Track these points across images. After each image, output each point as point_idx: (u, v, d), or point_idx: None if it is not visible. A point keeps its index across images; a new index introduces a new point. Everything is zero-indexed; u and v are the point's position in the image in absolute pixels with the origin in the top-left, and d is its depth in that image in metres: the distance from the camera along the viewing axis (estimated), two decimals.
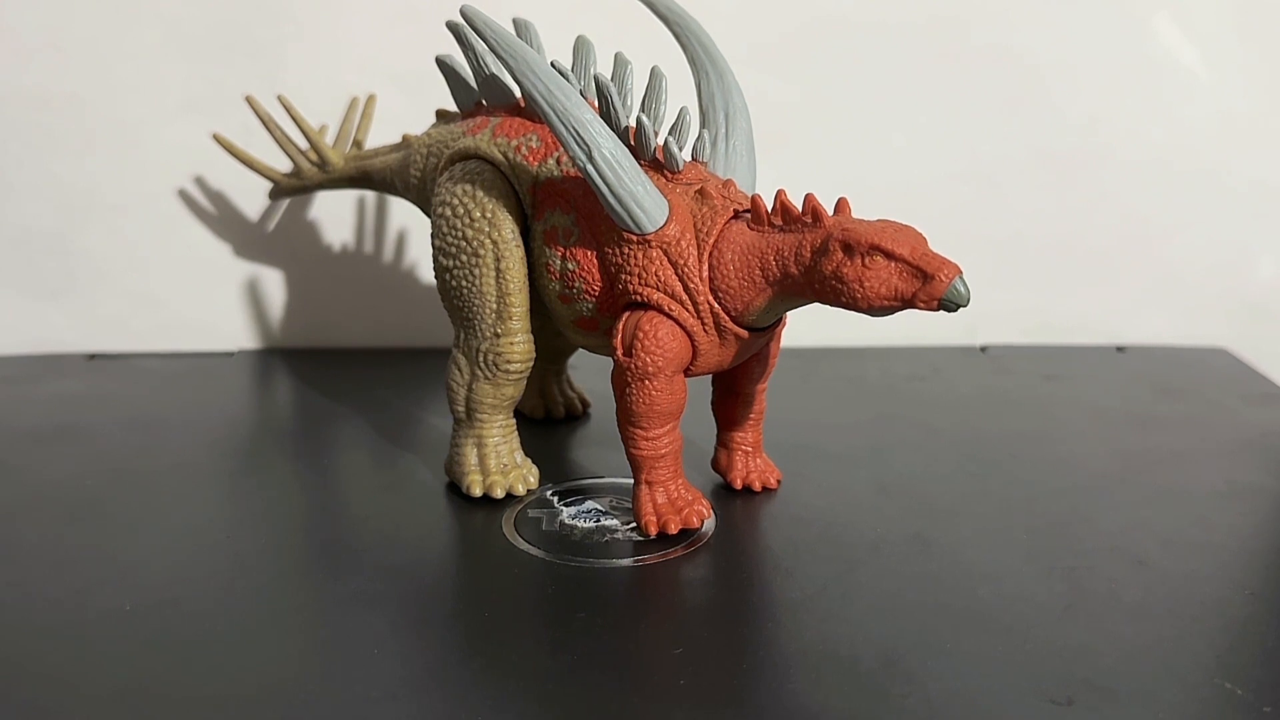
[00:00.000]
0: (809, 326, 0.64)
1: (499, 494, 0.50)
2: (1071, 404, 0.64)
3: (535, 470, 0.52)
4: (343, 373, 0.69)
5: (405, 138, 0.59)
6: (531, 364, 0.50)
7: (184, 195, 0.72)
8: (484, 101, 0.52)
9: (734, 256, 0.44)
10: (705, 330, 0.45)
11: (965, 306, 0.40)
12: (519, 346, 0.49)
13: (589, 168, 0.44)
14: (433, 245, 0.50)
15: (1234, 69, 0.72)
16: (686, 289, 0.44)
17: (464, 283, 0.48)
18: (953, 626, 0.40)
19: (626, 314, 0.45)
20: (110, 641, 0.39)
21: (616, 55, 0.49)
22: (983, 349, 0.75)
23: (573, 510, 0.49)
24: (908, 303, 0.41)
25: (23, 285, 0.72)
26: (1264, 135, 0.74)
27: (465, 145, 0.50)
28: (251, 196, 0.72)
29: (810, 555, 0.45)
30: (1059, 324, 0.75)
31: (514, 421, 0.51)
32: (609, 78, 0.46)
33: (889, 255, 0.40)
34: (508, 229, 0.48)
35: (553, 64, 0.46)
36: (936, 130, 0.72)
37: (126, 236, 0.72)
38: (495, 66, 0.50)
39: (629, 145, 0.45)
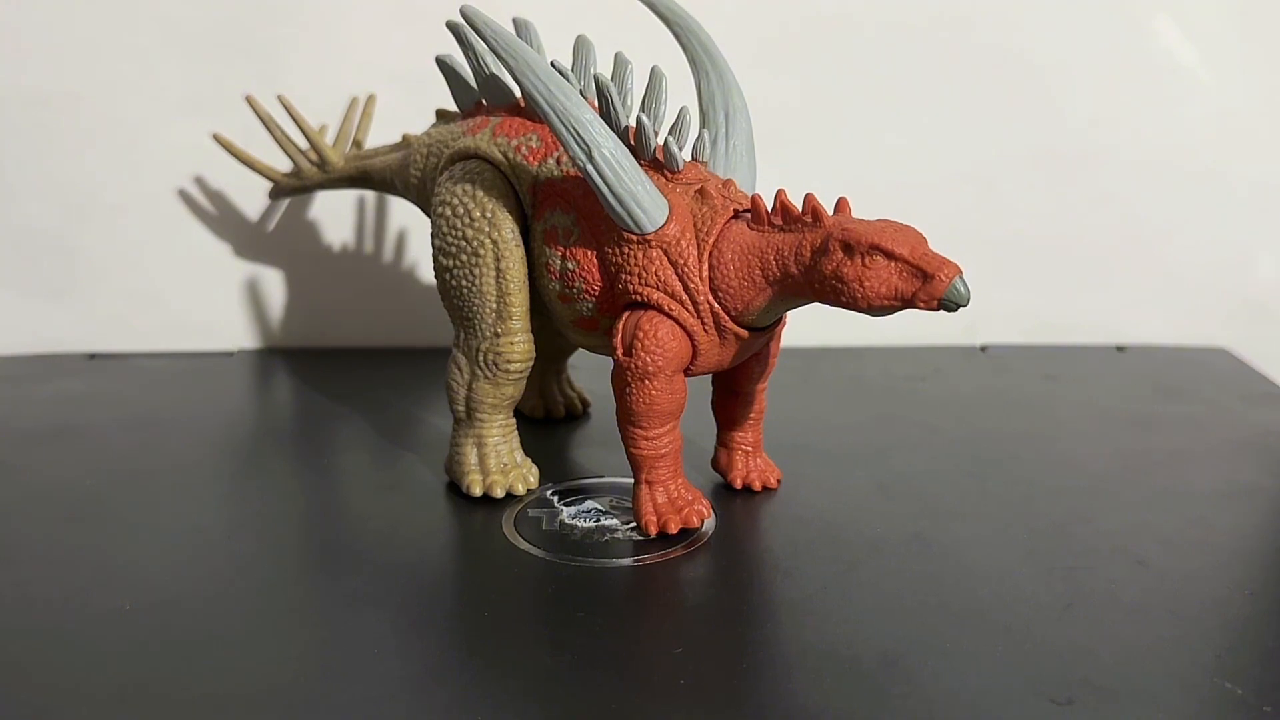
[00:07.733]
0: (809, 326, 0.64)
1: (499, 494, 0.50)
2: (1071, 404, 0.64)
3: (535, 470, 0.52)
4: (343, 373, 0.69)
5: (405, 138, 0.59)
6: (531, 364, 0.50)
7: (184, 195, 0.72)
8: (484, 101, 0.52)
9: (734, 256, 0.44)
10: (705, 330, 0.45)
11: (965, 306, 0.40)
12: (519, 346, 0.49)
13: (589, 168, 0.44)
14: (433, 245, 0.50)
15: (1234, 69, 0.72)
16: (686, 289, 0.44)
17: (464, 282, 0.48)
18: (953, 626, 0.40)
19: (626, 314, 0.45)
20: (110, 641, 0.39)
21: (616, 55, 0.49)
22: (983, 349, 0.75)
23: (573, 510, 0.49)
24: (908, 302, 0.41)
25: (23, 285, 0.72)
26: (1264, 135, 0.74)
27: (465, 145, 0.50)
28: (251, 196, 0.72)
29: (810, 555, 0.45)
30: (1059, 324, 0.75)
31: (514, 421, 0.51)
32: (609, 78, 0.46)
33: (889, 255, 0.40)
34: (508, 229, 0.48)
35: (553, 64, 0.46)
36: (937, 130, 0.72)
37: (126, 236, 0.72)
38: (495, 66, 0.50)
39: (629, 145, 0.45)
